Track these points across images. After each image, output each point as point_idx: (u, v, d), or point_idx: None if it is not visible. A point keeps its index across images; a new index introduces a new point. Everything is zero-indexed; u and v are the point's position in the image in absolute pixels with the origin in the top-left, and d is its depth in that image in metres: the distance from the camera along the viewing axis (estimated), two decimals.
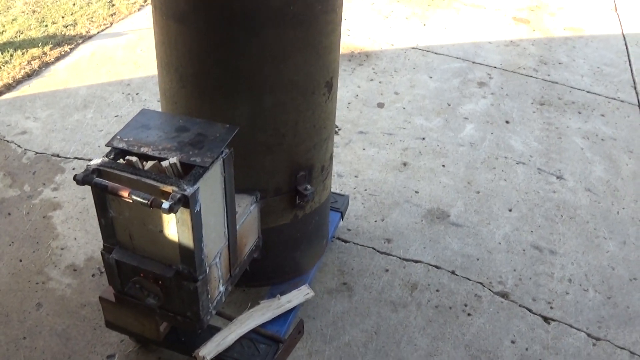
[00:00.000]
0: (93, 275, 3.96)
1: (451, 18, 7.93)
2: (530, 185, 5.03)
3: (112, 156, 2.57)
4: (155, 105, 5.56)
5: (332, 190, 4.29)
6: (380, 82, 6.30)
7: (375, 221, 4.54)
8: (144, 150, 2.56)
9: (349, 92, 6.08)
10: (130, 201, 2.39)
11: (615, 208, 4.88)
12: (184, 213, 2.43)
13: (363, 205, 4.69)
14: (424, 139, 5.46)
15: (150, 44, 6.52)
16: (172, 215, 2.42)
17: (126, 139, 2.62)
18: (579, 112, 6.07)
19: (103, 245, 2.78)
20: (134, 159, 2.54)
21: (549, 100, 6.23)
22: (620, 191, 5.07)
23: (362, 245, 4.32)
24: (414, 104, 5.96)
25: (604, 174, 5.24)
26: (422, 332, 3.74)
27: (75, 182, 2.47)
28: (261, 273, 3.54)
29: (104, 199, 2.61)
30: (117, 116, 5.49)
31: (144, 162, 2.55)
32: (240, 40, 2.75)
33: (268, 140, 3.05)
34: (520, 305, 3.98)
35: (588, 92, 6.48)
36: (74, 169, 4.81)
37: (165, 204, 2.30)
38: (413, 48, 7.07)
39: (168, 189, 2.39)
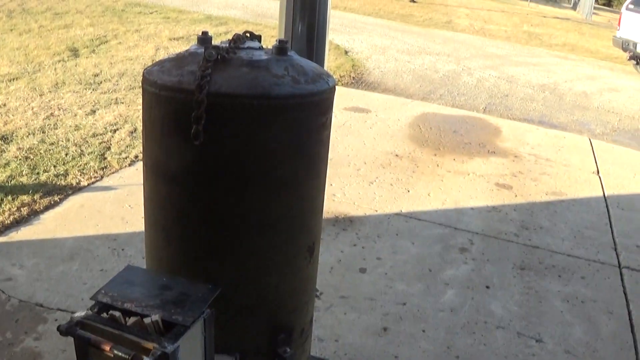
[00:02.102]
0: None
1: (435, 184, 8.09)
2: (509, 349, 5.05)
3: (95, 310, 2.61)
4: (141, 261, 5.60)
5: (313, 354, 4.31)
6: (363, 247, 6.38)
7: None
8: (127, 305, 2.61)
9: (332, 256, 6.15)
10: (112, 355, 2.43)
11: None
12: None
13: None
14: (404, 304, 5.50)
15: (139, 200, 6.61)
16: None
17: (110, 294, 2.67)
18: (559, 276, 6.16)
19: None
20: (117, 313, 2.59)
21: (530, 265, 6.33)
22: (600, 352, 5.11)
23: None
24: (396, 270, 6.02)
25: (583, 336, 5.28)
26: None
27: (58, 333, 2.51)
28: None
29: (85, 352, 2.64)
30: (102, 270, 5.53)
31: (127, 318, 2.59)
32: (227, 203, 2.85)
33: (249, 302, 3.10)
34: None
35: (569, 255, 6.59)
36: (56, 320, 4.81)
37: None
38: (396, 214, 7.19)
39: (149, 345, 2.43)
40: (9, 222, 6.10)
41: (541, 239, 6.94)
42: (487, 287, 5.89)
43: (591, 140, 10.72)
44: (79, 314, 2.59)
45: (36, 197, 6.61)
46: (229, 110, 2.73)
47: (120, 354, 2.41)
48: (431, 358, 4.89)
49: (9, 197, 6.50)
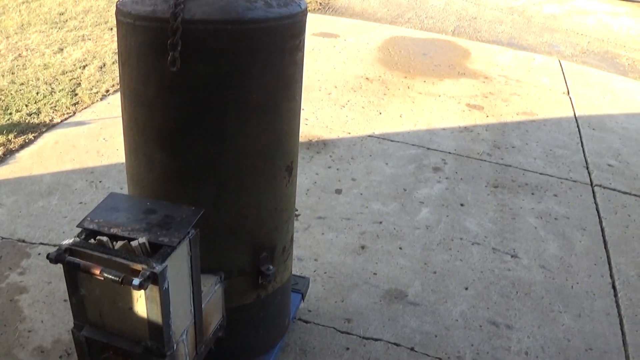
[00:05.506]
0: (60, 357, 4.00)
1: (406, 106, 8.13)
2: (485, 264, 5.17)
3: (83, 236, 2.68)
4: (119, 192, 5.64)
5: (293, 273, 4.40)
6: (337, 169, 6.45)
7: (335, 302, 4.65)
8: (114, 230, 2.67)
9: (308, 179, 6.22)
10: (102, 279, 2.50)
11: (570, 283, 5.03)
12: (153, 290, 2.54)
13: (323, 287, 4.79)
14: (381, 222, 5.60)
15: (113, 133, 6.68)
16: (142, 292, 2.53)
17: (96, 220, 2.73)
18: (532, 193, 6.26)
19: (74, 323, 2.86)
20: (104, 239, 2.65)
21: (503, 183, 6.42)
22: (574, 267, 5.23)
23: (323, 325, 4.41)
24: (371, 190, 6.11)
25: (557, 251, 5.40)
26: None
27: (42, 267, 2.56)
28: (226, 352, 3.60)
29: (75, 278, 2.71)
30: (81, 203, 5.57)
31: (114, 242, 2.66)
32: (206, 126, 2.90)
33: (232, 222, 3.18)
34: None
35: (541, 173, 6.69)
36: (39, 254, 4.86)
37: (136, 281, 2.41)
38: (369, 136, 7.26)
39: (138, 267, 2.50)
40: None
41: (513, 157, 7.02)
42: (462, 204, 5.99)
43: (561, 61, 10.75)
44: (67, 241, 2.65)
45: (10, 136, 6.61)
46: (203, 36, 2.77)
47: (110, 276, 2.47)
48: (409, 274, 5.00)
49: None
